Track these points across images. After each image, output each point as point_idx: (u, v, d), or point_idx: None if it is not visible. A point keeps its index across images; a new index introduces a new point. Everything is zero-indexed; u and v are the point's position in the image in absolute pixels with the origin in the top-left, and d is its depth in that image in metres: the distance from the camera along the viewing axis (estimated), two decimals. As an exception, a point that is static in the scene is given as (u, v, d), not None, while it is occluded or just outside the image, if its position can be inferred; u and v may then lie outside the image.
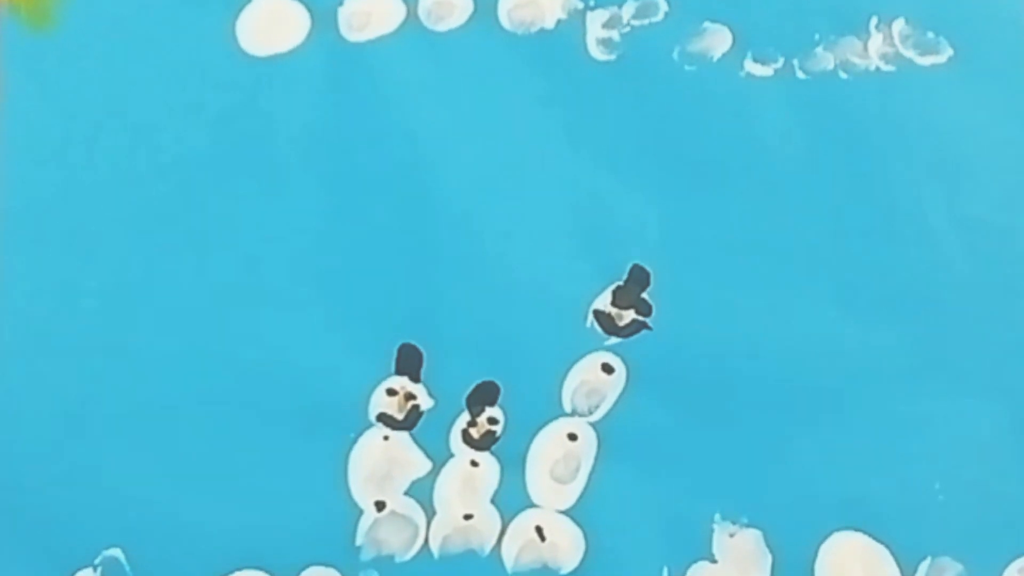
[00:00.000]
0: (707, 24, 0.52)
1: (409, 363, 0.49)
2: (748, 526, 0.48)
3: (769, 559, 0.48)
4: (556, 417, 0.49)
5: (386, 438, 0.49)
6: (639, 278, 0.50)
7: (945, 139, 0.50)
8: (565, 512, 0.48)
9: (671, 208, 0.50)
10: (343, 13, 0.52)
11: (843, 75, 0.51)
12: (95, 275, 0.50)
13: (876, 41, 0.51)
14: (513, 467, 0.49)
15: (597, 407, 0.49)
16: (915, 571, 0.48)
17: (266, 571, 0.48)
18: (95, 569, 0.48)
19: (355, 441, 0.49)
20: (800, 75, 0.51)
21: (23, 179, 0.51)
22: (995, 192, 0.50)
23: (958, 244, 0.50)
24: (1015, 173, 0.50)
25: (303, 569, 0.48)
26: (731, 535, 0.48)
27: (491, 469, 0.49)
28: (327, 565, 0.48)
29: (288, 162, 0.51)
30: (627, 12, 0.52)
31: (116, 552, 0.48)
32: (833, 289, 0.50)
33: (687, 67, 0.51)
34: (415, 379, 0.49)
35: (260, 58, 0.52)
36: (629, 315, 0.50)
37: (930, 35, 0.51)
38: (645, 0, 0.52)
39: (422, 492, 0.48)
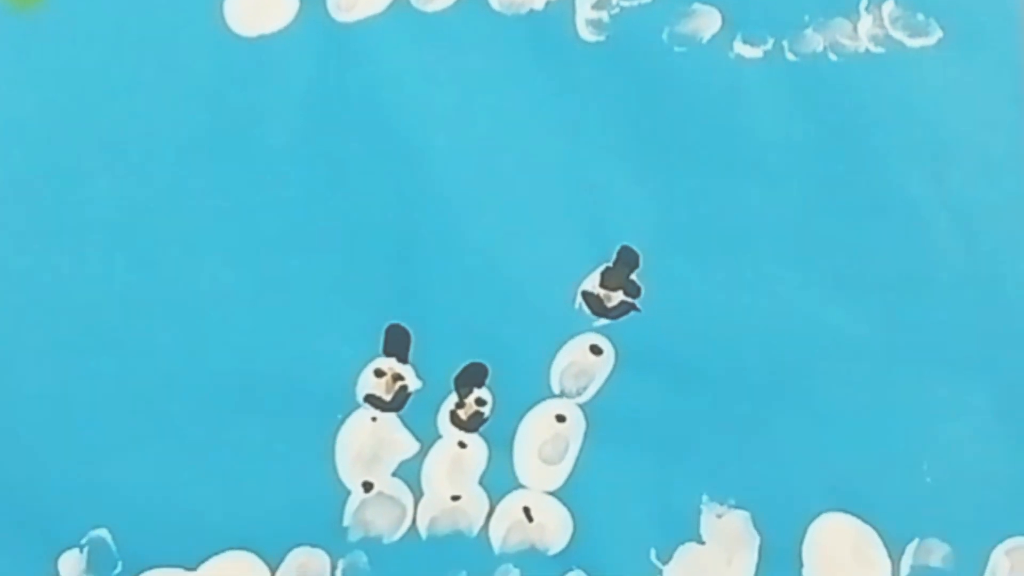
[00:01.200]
0: (696, 5, 0.51)
1: (397, 344, 0.49)
2: (736, 507, 0.48)
3: (757, 540, 0.48)
4: (544, 398, 0.49)
5: (374, 419, 0.49)
6: (628, 260, 0.50)
7: (934, 121, 0.50)
8: (553, 493, 0.48)
9: (660, 190, 0.50)
10: (332, -7, 0.52)
11: (832, 57, 0.51)
12: (81, 258, 0.50)
13: (866, 23, 0.51)
14: (501, 448, 0.49)
15: (585, 388, 0.49)
16: (902, 552, 0.48)
17: (253, 552, 0.48)
18: (82, 550, 0.48)
19: (343, 422, 0.49)
20: (790, 57, 0.51)
21: (8, 161, 0.51)
22: (984, 174, 0.50)
23: (947, 226, 0.50)
24: (1003, 155, 0.50)
25: (290, 550, 0.48)
26: (719, 516, 0.48)
27: (479, 450, 0.49)
28: (314, 546, 0.48)
29: (276, 143, 0.51)
30: (616, -7, 0.52)
31: (103, 533, 0.48)
32: (822, 271, 0.50)
33: (676, 48, 0.51)
34: (403, 360, 0.49)
35: (248, 39, 0.51)
36: (617, 296, 0.50)
37: (920, 17, 0.51)
38: (635, -19, 0.52)
39: (410, 473, 0.48)
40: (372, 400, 0.49)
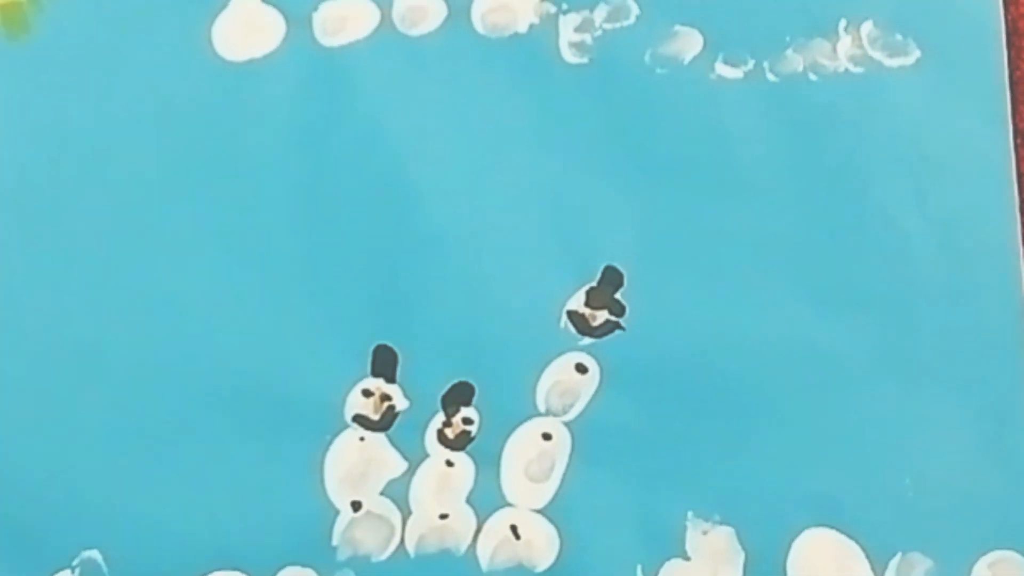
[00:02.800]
0: (678, 27, 0.52)
1: (384, 364, 0.50)
2: (721, 524, 0.48)
3: (742, 556, 0.48)
4: (530, 417, 0.49)
5: (362, 439, 0.49)
6: (612, 279, 0.50)
7: (913, 140, 0.51)
8: (539, 511, 0.49)
9: (644, 209, 0.51)
10: (318, 18, 0.52)
11: (812, 77, 0.52)
12: (70, 278, 0.50)
13: (845, 43, 0.52)
14: (488, 467, 0.49)
15: (571, 407, 0.49)
16: (886, 567, 0.48)
17: (243, 571, 0.48)
18: (73, 571, 0.48)
19: (331, 442, 0.49)
20: (770, 77, 0.52)
21: None
22: (963, 191, 0.51)
23: (926, 243, 0.50)
24: (982, 172, 0.51)
25: (279, 569, 0.48)
26: (704, 533, 0.48)
27: (466, 469, 0.49)
28: (303, 565, 0.48)
29: (263, 165, 0.51)
30: (599, 16, 0.52)
31: (94, 553, 0.48)
32: (804, 288, 0.50)
33: (658, 70, 0.52)
34: (390, 380, 0.49)
35: (235, 63, 0.52)
36: (602, 316, 0.50)
37: (898, 37, 0.52)
38: (617, 4, 0.52)
39: (398, 492, 0.49)
40: (360, 420, 0.49)
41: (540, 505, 0.49)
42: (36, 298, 0.50)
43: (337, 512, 0.49)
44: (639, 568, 0.48)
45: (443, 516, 0.49)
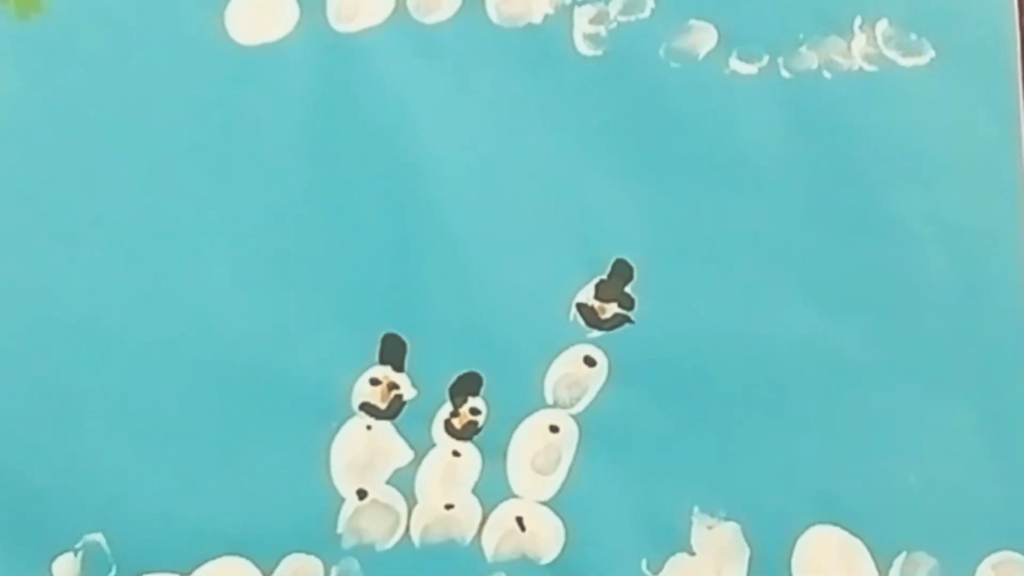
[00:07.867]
0: (693, 21, 0.52)
1: (392, 353, 0.49)
2: (726, 519, 0.48)
3: (747, 552, 0.48)
4: (538, 409, 0.49)
5: (369, 427, 0.49)
6: (622, 272, 0.50)
7: (925, 140, 0.51)
8: (545, 503, 0.49)
9: (655, 204, 0.51)
10: (331, 3, 0.52)
11: (826, 74, 0.52)
12: (78, 261, 0.50)
13: (859, 41, 0.52)
14: (494, 457, 0.49)
15: (579, 399, 0.49)
16: (890, 565, 0.48)
17: (247, 558, 0.48)
18: (76, 554, 0.48)
19: (338, 430, 0.49)
20: (784, 74, 0.52)
21: (10, 167, 0.51)
22: (973, 193, 0.51)
23: (936, 244, 0.50)
24: (993, 174, 0.51)
25: (284, 556, 0.48)
26: (709, 528, 0.48)
27: (473, 459, 0.49)
28: (308, 553, 0.48)
29: (274, 151, 0.51)
30: (614, 8, 0.52)
31: (97, 537, 0.48)
32: (813, 286, 0.50)
33: (672, 64, 0.52)
34: (398, 369, 0.49)
35: (248, 47, 0.52)
36: (612, 309, 0.50)
37: (912, 36, 0.52)
38: (632, -4, 0.52)
39: (404, 481, 0.49)
40: (367, 408, 0.49)
41: (546, 497, 0.49)
42: (42, 279, 0.50)
43: (343, 500, 0.48)
44: (644, 562, 0.48)
45: (449, 506, 0.49)
